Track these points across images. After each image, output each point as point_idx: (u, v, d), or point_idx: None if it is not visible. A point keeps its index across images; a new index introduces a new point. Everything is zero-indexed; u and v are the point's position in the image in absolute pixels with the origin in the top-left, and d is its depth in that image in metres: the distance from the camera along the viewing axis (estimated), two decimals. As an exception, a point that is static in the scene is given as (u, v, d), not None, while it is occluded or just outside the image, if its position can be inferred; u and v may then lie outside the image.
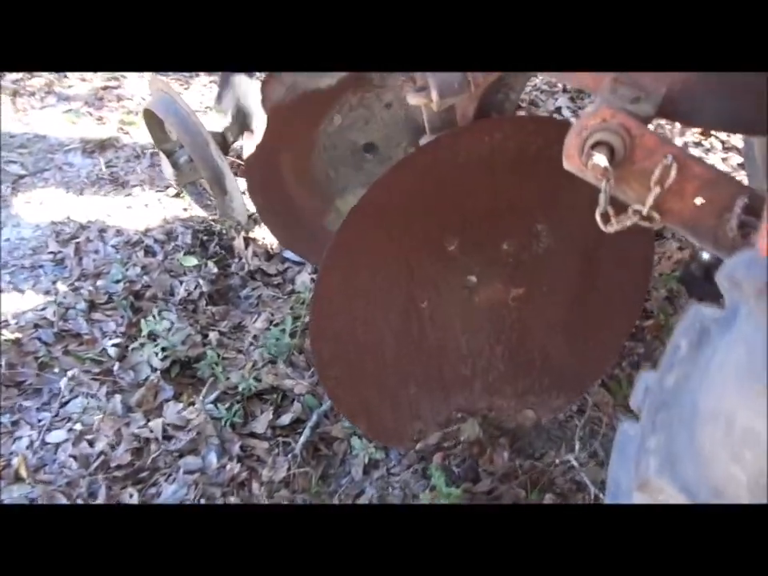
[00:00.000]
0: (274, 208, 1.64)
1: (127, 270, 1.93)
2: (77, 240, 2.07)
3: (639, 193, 0.89)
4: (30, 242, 2.07)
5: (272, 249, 2.03)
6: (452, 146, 1.14)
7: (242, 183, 1.65)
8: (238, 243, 2.00)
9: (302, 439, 1.49)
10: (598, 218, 0.91)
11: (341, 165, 1.65)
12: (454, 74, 0.97)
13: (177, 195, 2.26)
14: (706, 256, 1.44)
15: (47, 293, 1.86)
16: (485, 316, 1.37)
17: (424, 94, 0.97)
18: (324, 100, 1.52)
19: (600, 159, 0.83)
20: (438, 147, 1.14)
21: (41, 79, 2.89)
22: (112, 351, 1.67)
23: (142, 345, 1.67)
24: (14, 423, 1.54)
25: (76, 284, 1.89)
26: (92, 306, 1.81)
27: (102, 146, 2.55)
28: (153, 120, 1.75)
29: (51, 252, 2.03)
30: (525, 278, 1.35)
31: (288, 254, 2.00)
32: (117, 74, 3.00)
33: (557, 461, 1.47)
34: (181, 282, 1.90)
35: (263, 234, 2.04)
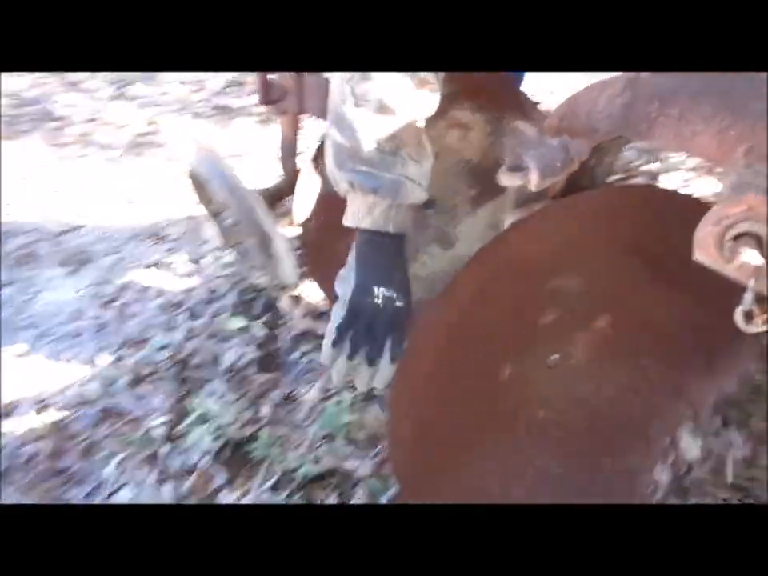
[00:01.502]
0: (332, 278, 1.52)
1: (171, 335, 1.84)
2: (118, 302, 1.99)
3: (789, 286, 0.74)
4: (70, 306, 1.99)
5: (321, 306, 1.91)
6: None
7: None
8: (285, 303, 1.89)
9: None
10: (738, 316, 0.77)
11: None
12: (555, 151, 0.83)
13: (217, 250, 2.17)
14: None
15: (89, 364, 1.77)
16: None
17: (520, 176, 0.84)
18: None
19: (752, 257, 0.69)
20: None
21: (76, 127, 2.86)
22: (159, 432, 1.56)
23: (191, 424, 1.55)
24: (59, 515, 1.44)
25: (119, 353, 1.79)
26: (136, 378, 1.71)
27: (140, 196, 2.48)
28: (198, 182, 1.66)
29: (92, 317, 1.94)
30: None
31: (337, 311, 1.88)
32: (154, 120, 2.95)
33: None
34: (228, 348, 1.79)
35: (310, 290, 1.93)
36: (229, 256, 2.13)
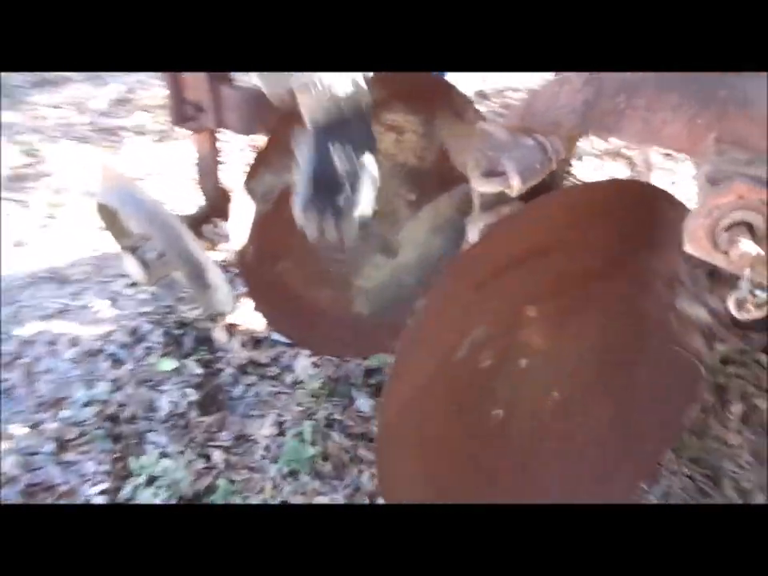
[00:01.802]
0: (287, 316, 1.42)
1: (94, 388, 1.64)
2: (23, 360, 1.75)
3: (777, 272, 0.75)
4: (-35, 373, 1.73)
5: (256, 333, 1.79)
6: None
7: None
8: (219, 334, 1.74)
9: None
10: (731, 303, 0.77)
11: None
12: (533, 153, 0.78)
13: (133, 285, 1.97)
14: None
15: (1, 436, 1.54)
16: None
17: (499, 181, 0.78)
18: None
19: (749, 246, 0.68)
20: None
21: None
22: (100, 500, 1.38)
23: (136, 488, 1.39)
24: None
25: (35, 418, 1.58)
26: (61, 444, 1.51)
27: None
28: (107, 214, 1.48)
29: (-7, 381, 1.70)
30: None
31: (276, 335, 1.77)
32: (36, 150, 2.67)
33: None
34: (162, 393, 1.63)
35: (245, 317, 1.79)
36: (145, 292, 1.94)
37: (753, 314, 0.76)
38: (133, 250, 1.44)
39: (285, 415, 1.55)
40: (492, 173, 0.81)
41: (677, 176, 2.42)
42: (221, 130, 1.43)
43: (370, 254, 1.51)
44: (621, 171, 2.46)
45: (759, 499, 1.32)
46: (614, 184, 1.07)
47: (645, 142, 0.82)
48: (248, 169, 1.23)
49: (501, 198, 0.94)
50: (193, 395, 1.60)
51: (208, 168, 1.48)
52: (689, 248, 0.74)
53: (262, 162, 1.25)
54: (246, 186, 1.23)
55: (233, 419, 1.59)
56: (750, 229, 0.71)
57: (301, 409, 1.55)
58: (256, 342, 1.77)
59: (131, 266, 1.44)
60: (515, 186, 0.77)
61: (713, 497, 1.34)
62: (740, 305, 0.76)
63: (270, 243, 1.33)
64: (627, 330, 1.01)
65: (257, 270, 1.33)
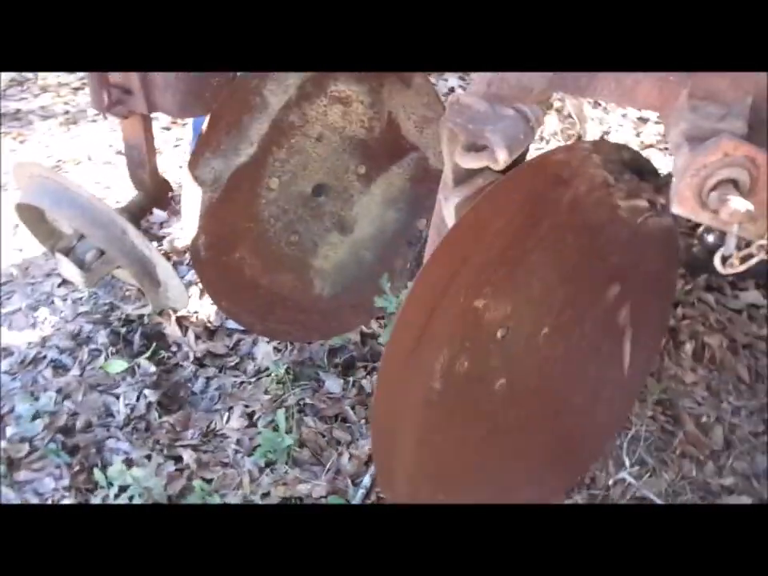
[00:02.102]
0: (247, 306, 1.35)
1: (39, 400, 1.52)
2: (-49, 377, 1.60)
3: (760, 226, 0.77)
4: None
5: (210, 323, 1.71)
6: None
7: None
8: (172, 330, 1.65)
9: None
10: (717, 260, 0.78)
11: (299, 224, 1.39)
12: (516, 123, 0.76)
13: (64, 283, 1.83)
14: (710, 239, 1.39)
15: (-60, 463, 1.41)
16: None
17: (486, 156, 0.75)
18: (251, 172, 1.24)
19: (740, 203, 0.69)
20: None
21: None
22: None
23: (105, 499, 1.31)
24: None
25: (-23, 440, 1.45)
26: (11, 463, 1.40)
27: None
28: (31, 215, 1.35)
29: None
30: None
31: (231, 323, 1.70)
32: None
33: (611, 482, 1.38)
34: (117, 397, 1.54)
35: (193, 308, 1.71)
36: (79, 291, 1.81)
37: (737, 268, 0.78)
38: (66, 252, 1.33)
39: (252, 405, 1.50)
40: (475, 147, 0.77)
41: (608, 126, 2.48)
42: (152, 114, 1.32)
43: (326, 233, 1.46)
44: (553, 123, 2.48)
45: (717, 432, 1.42)
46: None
47: (618, 102, 0.82)
48: (190, 155, 1.15)
49: (475, 171, 0.92)
50: (151, 395, 1.52)
51: (141, 156, 1.37)
52: (676, 208, 0.75)
53: (207, 146, 1.16)
54: (190, 173, 1.15)
55: (197, 416, 1.53)
56: (736, 185, 0.72)
57: (268, 397, 1.51)
58: (210, 332, 1.69)
59: (67, 269, 1.32)
60: (502, 159, 0.74)
61: (675, 433, 1.43)
62: (725, 261, 0.78)
63: (223, 232, 1.26)
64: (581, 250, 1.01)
65: (211, 261, 1.26)
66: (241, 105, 1.16)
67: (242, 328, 1.69)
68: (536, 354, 1.06)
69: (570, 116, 2.46)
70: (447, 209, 0.92)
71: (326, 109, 1.31)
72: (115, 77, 1.22)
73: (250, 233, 1.31)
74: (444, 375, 0.95)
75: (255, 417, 1.48)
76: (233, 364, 1.62)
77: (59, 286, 1.84)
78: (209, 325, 1.70)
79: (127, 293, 1.69)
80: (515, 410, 1.10)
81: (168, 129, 2.44)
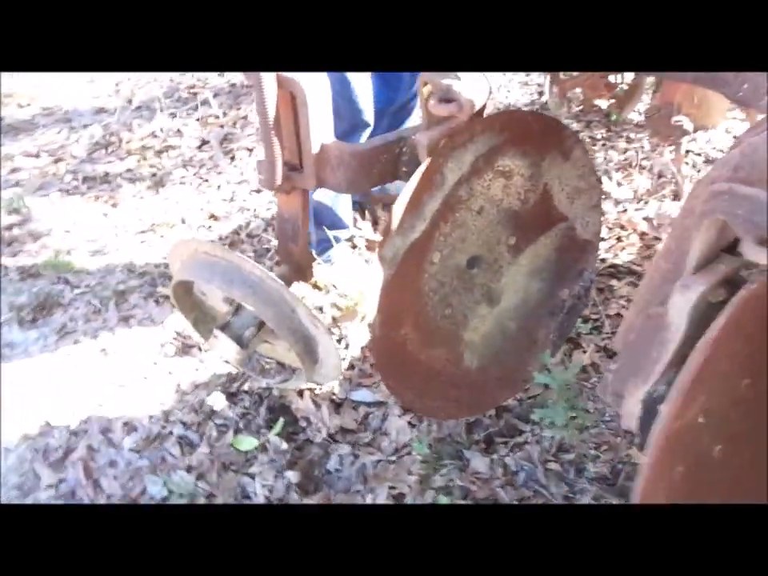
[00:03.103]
0: (408, 384, 1.31)
1: (170, 479, 1.46)
2: (75, 456, 1.55)
3: None
4: (9, 479, 1.51)
5: (335, 395, 1.66)
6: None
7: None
8: (305, 404, 1.60)
9: None
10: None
11: (453, 297, 1.35)
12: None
13: (178, 353, 1.80)
14: None
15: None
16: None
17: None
18: (420, 248, 1.23)
19: None
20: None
21: None
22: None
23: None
24: None
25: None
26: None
27: (43, 306, 1.99)
28: (185, 293, 1.33)
29: (48, 485, 1.49)
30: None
31: (356, 395, 1.65)
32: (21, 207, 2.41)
33: None
34: (252, 477, 1.47)
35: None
36: (196, 359, 1.77)
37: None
38: (223, 328, 1.30)
39: (399, 487, 1.43)
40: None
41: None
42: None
43: (475, 305, 1.42)
44: (644, 181, 2.46)
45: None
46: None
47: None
48: (382, 236, 1.13)
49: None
50: (292, 477, 1.46)
51: (295, 230, 1.35)
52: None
53: (395, 224, 1.14)
54: (379, 252, 1.12)
55: (336, 497, 1.45)
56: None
57: (414, 478, 1.44)
58: (336, 405, 1.64)
59: (225, 347, 1.29)
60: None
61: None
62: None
63: (393, 309, 1.22)
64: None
65: (383, 339, 1.22)
66: (424, 183, 1.14)
67: (369, 401, 1.64)
68: None
69: (661, 175, 2.44)
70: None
71: (490, 183, 1.29)
72: (286, 155, 1.21)
73: (414, 308, 1.27)
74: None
75: (404, 499, 1.41)
76: (366, 441, 1.56)
77: (173, 355, 1.80)
78: (334, 397, 1.65)
79: (267, 366, 1.65)
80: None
81: (259, 191, 2.45)
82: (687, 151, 2.31)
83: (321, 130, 1.19)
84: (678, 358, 0.90)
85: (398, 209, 1.10)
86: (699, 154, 2.35)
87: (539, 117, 1.32)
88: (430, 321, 1.33)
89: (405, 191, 1.10)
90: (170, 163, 2.72)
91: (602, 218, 1.58)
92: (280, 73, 1.09)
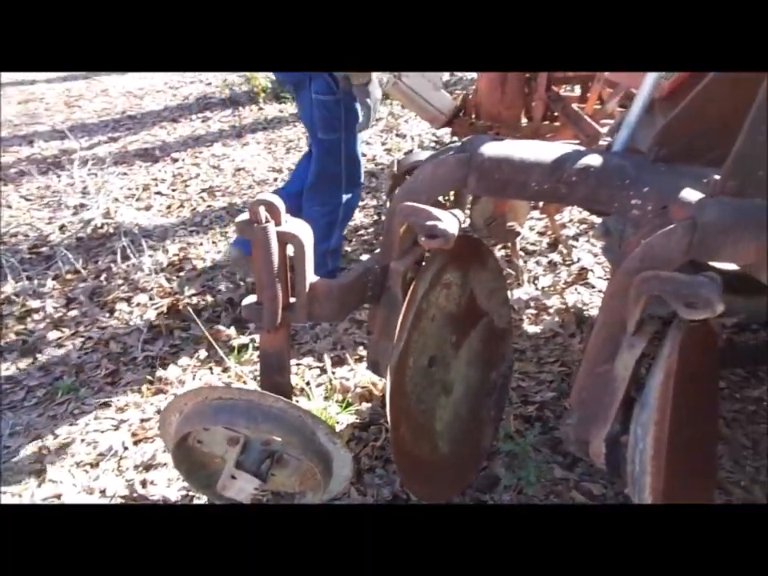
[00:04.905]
0: (417, 477, 1.49)
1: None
2: None
3: None
4: None
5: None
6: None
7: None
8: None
9: None
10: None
11: (423, 394, 1.58)
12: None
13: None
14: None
15: None
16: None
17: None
18: (403, 357, 1.47)
19: None
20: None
21: None
22: None
23: None
24: None
25: None
26: None
27: None
28: (177, 446, 1.35)
29: None
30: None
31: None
32: None
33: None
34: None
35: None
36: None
37: None
38: (239, 465, 1.34)
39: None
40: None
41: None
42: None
43: (437, 398, 1.65)
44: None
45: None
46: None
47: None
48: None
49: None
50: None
51: (281, 363, 1.47)
52: None
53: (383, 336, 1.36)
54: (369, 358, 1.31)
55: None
56: None
57: None
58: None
59: (245, 484, 1.33)
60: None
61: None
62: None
63: (394, 413, 1.40)
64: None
65: (398, 442, 1.39)
66: (409, 305, 1.39)
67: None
68: None
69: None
70: (630, 353, 1.24)
71: (439, 294, 1.58)
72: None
73: (404, 408, 1.47)
74: None
75: None
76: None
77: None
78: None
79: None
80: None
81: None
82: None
83: (310, 271, 1.37)
84: (626, 400, 1.24)
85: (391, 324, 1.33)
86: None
87: (468, 237, 1.67)
88: (413, 418, 1.54)
89: (403, 314, 1.34)
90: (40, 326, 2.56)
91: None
92: (281, 229, 1.28)
